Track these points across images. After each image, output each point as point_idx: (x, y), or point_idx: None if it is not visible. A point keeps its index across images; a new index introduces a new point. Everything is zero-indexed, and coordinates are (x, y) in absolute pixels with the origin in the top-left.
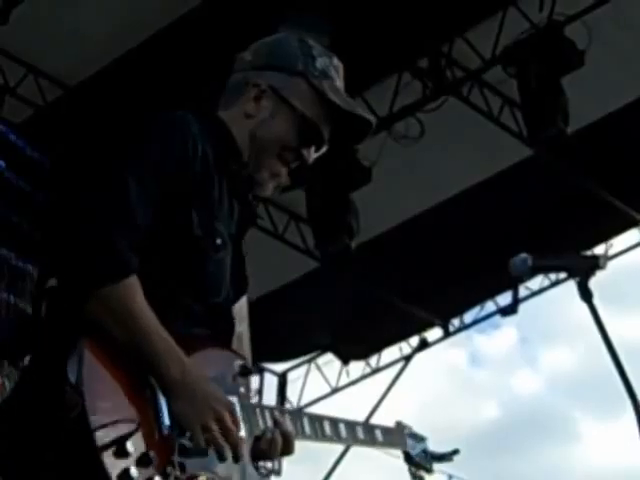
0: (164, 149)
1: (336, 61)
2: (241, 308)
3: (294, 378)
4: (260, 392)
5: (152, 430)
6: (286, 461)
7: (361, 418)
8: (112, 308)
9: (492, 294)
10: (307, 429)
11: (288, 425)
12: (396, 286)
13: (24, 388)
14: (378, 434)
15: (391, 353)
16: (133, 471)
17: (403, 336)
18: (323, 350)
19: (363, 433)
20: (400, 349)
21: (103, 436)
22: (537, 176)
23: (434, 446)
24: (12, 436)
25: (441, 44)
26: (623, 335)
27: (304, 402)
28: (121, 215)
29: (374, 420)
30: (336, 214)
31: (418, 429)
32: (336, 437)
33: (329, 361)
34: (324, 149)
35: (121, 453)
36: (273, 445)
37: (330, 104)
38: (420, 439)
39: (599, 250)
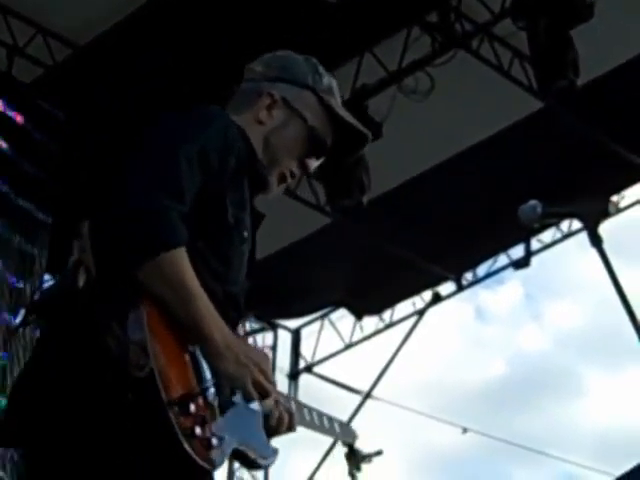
0: (212, 137)
1: (334, 80)
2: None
3: (307, 334)
4: (274, 348)
5: (200, 396)
6: None
7: (375, 373)
8: (167, 274)
9: (504, 247)
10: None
11: (287, 403)
12: (408, 241)
13: (69, 350)
14: (336, 426)
15: (404, 307)
16: (197, 429)
17: (416, 291)
18: (336, 306)
19: (328, 424)
20: (413, 304)
21: (170, 396)
22: (548, 129)
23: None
24: (75, 399)
25: None
26: (631, 287)
27: (318, 358)
28: (174, 190)
29: (390, 374)
30: (347, 170)
31: (430, 385)
32: (309, 424)
33: (342, 316)
34: (322, 160)
35: (185, 412)
36: (281, 422)
37: (336, 118)
38: (353, 434)
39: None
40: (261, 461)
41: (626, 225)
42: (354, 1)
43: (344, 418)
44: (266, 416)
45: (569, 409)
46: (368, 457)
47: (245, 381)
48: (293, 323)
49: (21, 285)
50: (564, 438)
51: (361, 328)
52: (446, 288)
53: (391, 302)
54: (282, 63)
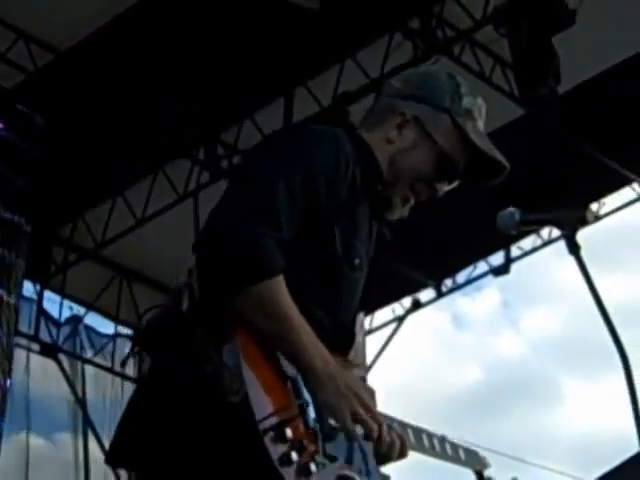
0: (319, 163)
1: (480, 101)
2: (359, 319)
3: None
4: None
5: (298, 422)
6: None
7: None
8: (263, 303)
9: (484, 254)
10: (412, 439)
11: (399, 430)
12: (388, 248)
13: (172, 378)
14: (461, 453)
15: (384, 314)
16: (294, 455)
17: (396, 297)
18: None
19: (451, 450)
20: (393, 310)
21: (264, 421)
22: (529, 136)
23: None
24: (172, 421)
25: (432, 4)
26: (608, 294)
27: None
28: (270, 219)
29: (369, 380)
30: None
31: (408, 391)
32: (431, 451)
33: None
34: (455, 184)
35: (280, 438)
36: (392, 447)
37: (471, 145)
38: (485, 465)
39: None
40: None
41: (605, 233)
42: (336, 7)
43: None
44: (377, 441)
45: (547, 416)
46: None
47: (343, 413)
48: None
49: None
50: (542, 445)
51: None
52: (425, 295)
53: (371, 308)
54: (420, 80)
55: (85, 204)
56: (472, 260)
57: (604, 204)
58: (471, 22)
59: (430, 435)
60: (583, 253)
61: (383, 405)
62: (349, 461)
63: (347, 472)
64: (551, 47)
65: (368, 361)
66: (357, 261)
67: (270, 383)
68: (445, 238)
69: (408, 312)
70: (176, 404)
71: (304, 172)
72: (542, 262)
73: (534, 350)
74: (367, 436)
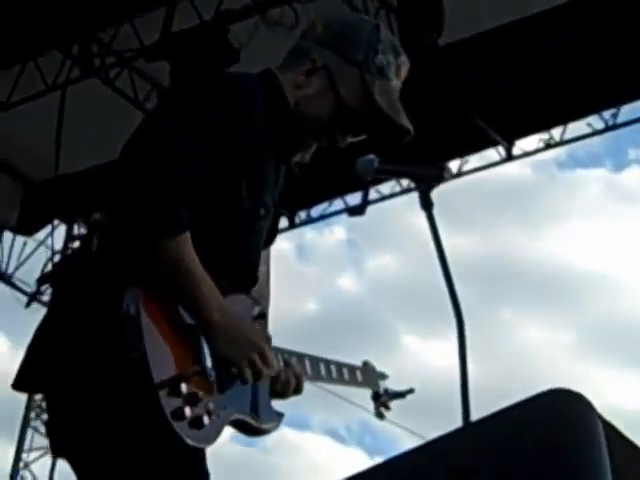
0: (225, 116)
1: (402, 60)
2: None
3: None
4: None
5: (195, 375)
6: None
7: None
8: (169, 259)
9: (342, 192)
10: (309, 370)
11: (297, 366)
12: None
13: (75, 321)
14: (359, 375)
15: None
16: (187, 410)
17: None
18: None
19: (348, 375)
20: None
21: (160, 377)
22: (403, 83)
23: None
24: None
25: None
26: (455, 252)
27: None
28: (180, 184)
29: None
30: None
31: None
32: (329, 378)
33: None
34: (360, 138)
35: (175, 393)
36: (287, 385)
37: (374, 105)
38: (383, 377)
39: (453, 164)
40: (264, 427)
41: (463, 189)
42: None
43: None
44: (273, 380)
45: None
46: (400, 395)
47: (239, 362)
48: None
49: None
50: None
51: None
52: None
53: None
54: (341, 29)
55: None
56: (329, 196)
57: (467, 161)
58: None
59: (327, 362)
60: (436, 209)
61: None
62: (243, 405)
63: (239, 416)
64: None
65: None
66: (262, 211)
67: (169, 337)
68: (305, 172)
69: None
70: (77, 354)
71: (211, 127)
72: (396, 208)
73: (373, 292)
74: (256, 380)
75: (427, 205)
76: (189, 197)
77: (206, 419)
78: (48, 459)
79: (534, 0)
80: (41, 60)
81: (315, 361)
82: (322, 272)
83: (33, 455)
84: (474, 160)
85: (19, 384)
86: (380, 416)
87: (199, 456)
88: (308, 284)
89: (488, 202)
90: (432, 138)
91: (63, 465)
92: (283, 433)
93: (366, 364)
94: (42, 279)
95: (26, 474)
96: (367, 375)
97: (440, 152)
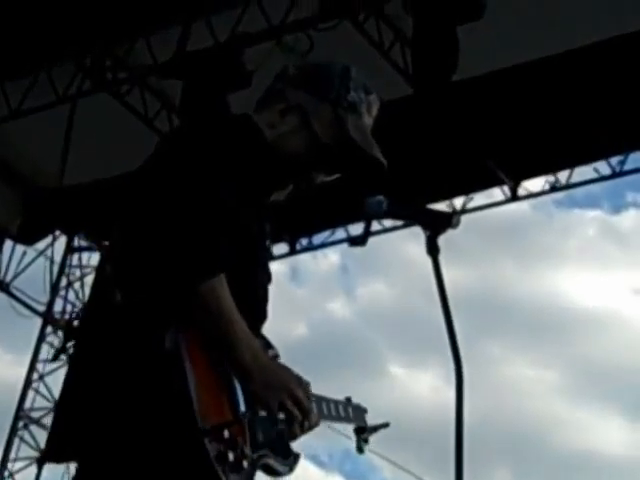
0: (226, 173)
1: (373, 98)
2: None
3: None
4: None
5: (232, 413)
6: None
7: None
8: (208, 301)
9: (344, 222)
10: (315, 409)
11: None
12: None
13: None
14: (350, 411)
15: None
16: (230, 456)
17: None
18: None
19: (343, 411)
20: None
21: (202, 421)
22: (413, 116)
23: None
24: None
25: None
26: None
27: None
28: (214, 218)
29: None
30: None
31: None
32: (330, 416)
33: None
34: (335, 177)
35: (218, 438)
36: (302, 428)
37: (349, 140)
38: (365, 412)
39: (458, 201)
40: (283, 469)
41: (466, 225)
42: None
43: None
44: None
45: (364, 388)
46: (375, 429)
47: (271, 404)
48: None
49: None
50: None
51: None
52: (279, 248)
53: None
54: (313, 70)
55: None
56: (331, 225)
57: (472, 199)
58: None
59: (327, 400)
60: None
61: None
62: (270, 448)
63: (268, 460)
64: (454, 35)
65: None
66: (268, 242)
67: (206, 380)
68: (310, 200)
69: None
70: (121, 400)
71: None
72: (391, 238)
73: (363, 319)
74: (289, 422)
75: (433, 251)
76: (225, 237)
77: (245, 463)
78: (33, 469)
79: (547, 43)
80: (54, 71)
81: (319, 399)
82: (314, 296)
83: (18, 465)
84: (478, 197)
85: (58, 453)
86: (360, 450)
87: None
88: (299, 307)
89: (484, 235)
90: (439, 174)
91: (48, 475)
92: None
93: (349, 400)
94: (68, 333)
95: None
96: (356, 411)
97: (446, 188)
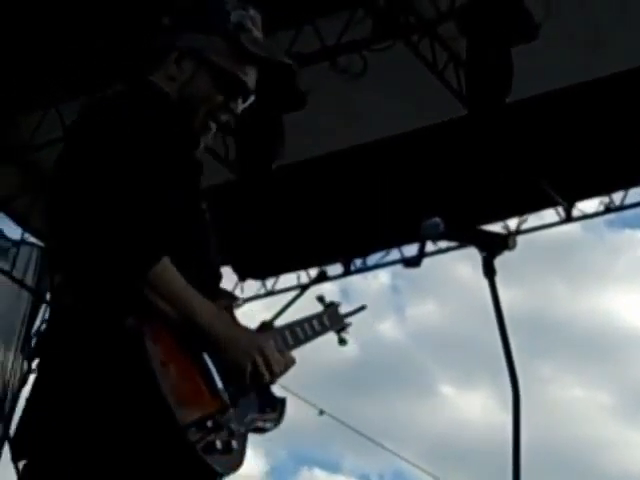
0: (137, 146)
1: (252, 12)
2: None
3: None
4: None
5: (211, 394)
6: None
7: None
8: (160, 286)
9: (399, 243)
10: (290, 341)
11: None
12: (307, 217)
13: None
14: (326, 321)
15: (289, 279)
16: (218, 444)
17: (304, 265)
18: (222, 262)
19: (319, 325)
20: (298, 277)
21: (181, 414)
22: (467, 137)
23: None
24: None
25: None
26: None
27: None
28: (141, 209)
29: None
30: (263, 134)
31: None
32: (306, 337)
33: (225, 273)
34: (251, 99)
35: (201, 428)
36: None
37: (248, 54)
38: (337, 310)
39: (512, 222)
40: (274, 421)
41: (518, 246)
42: None
43: None
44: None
45: (414, 407)
46: (353, 313)
47: (244, 367)
48: None
49: None
50: (402, 433)
51: (241, 289)
52: (333, 269)
53: (277, 271)
54: (189, 10)
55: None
56: (385, 246)
57: (526, 220)
58: (435, 13)
59: (299, 323)
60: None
61: None
62: (253, 409)
63: (256, 424)
64: (509, 56)
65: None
66: (195, 209)
67: (177, 368)
68: (362, 219)
69: (312, 282)
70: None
71: (133, 160)
72: (441, 258)
73: (414, 339)
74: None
75: (490, 273)
76: (160, 217)
77: (234, 443)
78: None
79: (600, 64)
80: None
81: (291, 328)
82: (364, 316)
83: None
84: (532, 218)
85: (20, 453)
86: (342, 342)
87: None
88: (350, 327)
89: (535, 255)
90: (493, 195)
91: None
92: (315, 475)
93: (330, 305)
94: (32, 354)
95: None
96: (333, 317)
97: (500, 209)
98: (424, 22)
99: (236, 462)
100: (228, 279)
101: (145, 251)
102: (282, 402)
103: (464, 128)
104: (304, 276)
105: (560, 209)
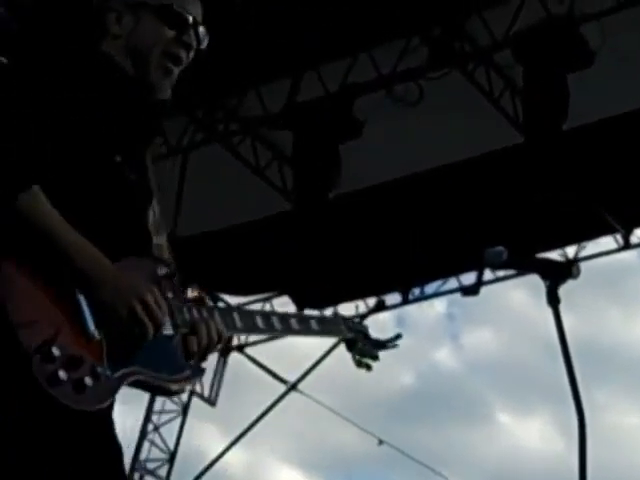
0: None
1: None
2: (157, 221)
3: None
4: None
5: (78, 333)
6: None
7: (304, 366)
8: (27, 215)
9: (457, 271)
10: (238, 323)
11: (216, 318)
12: (366, 248)
13: None
14: (313, 323)
15: (347, 308)
16: (61, 374)
17: (362, 294)
18: (280, 292)
19: (297, 324)
20: (356, 306)
21: (28, 341)
22: (523, 165)
23: None
24: None
25: (456, 16)
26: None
27: (252, 339)
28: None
29: (318, 371)
30: (321, 162)
31: (350, 388)
32: (269, 329)
33: (284, 303)
34: (203, 29)
35: (48, 358)
36: (211, 343)
37: None
38: (359, 326)
39: (570, 250)
40: (173, 387)
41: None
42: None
43: (266, 403)
44: (189, 338)
45: (470, 435)
46: (382, 344)
47: (120, 311)
48: (235, 300)
49: None
50: (460, 461)
51: None
52: (391, 298)
53: (335, 300)
54: None
55: None
56: (444, 274)
57: (584, 247)
58: (490, 42)
59: (298, 317)
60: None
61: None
62: (145, 364)
63: (139, 377)
64: (565, 83)
65: (320, 352)
66: (118, 158)
67: (39, 303)
68: (420, 248)
69: (371, 311)
70: None
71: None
72: (497, 285)
73: (470, 367)
74: (143, 334)
75: (554, 301)
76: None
77: (88, 381)
78: None
79: None
80: (166, 123)
81: (250, 314)
82: (420, 344)
83: None
84: (590, 245)
85: None
86: (360, 365)
87: (100, 422)
88: (405, 356)
89: (588, 281)
90: (551, 222)
91: None
92: None
93: (336, 314)
94: None
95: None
96: (331, 324)
97: (558, 237)
98: (480, 50)
99: (87, 400)
100: (287, 309)
101: (11, 177)
102: (196, 372)
103: (521, 155)
104: (362, 305)
105: (618, 236)
